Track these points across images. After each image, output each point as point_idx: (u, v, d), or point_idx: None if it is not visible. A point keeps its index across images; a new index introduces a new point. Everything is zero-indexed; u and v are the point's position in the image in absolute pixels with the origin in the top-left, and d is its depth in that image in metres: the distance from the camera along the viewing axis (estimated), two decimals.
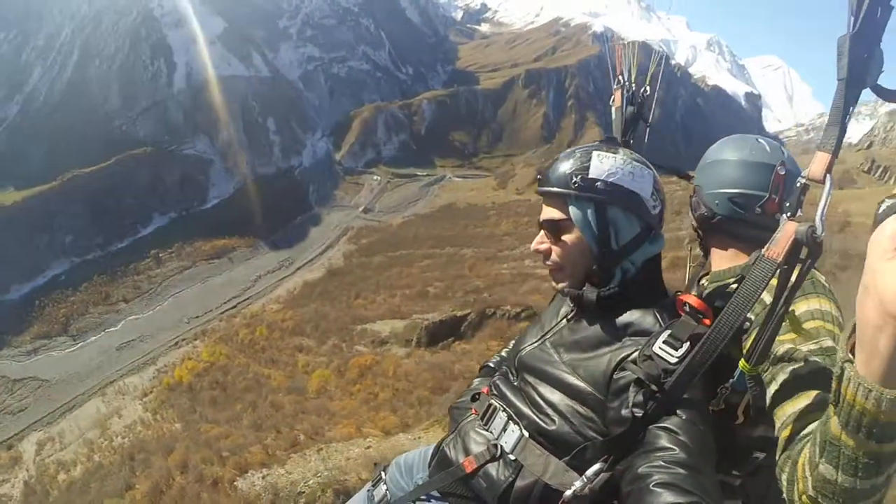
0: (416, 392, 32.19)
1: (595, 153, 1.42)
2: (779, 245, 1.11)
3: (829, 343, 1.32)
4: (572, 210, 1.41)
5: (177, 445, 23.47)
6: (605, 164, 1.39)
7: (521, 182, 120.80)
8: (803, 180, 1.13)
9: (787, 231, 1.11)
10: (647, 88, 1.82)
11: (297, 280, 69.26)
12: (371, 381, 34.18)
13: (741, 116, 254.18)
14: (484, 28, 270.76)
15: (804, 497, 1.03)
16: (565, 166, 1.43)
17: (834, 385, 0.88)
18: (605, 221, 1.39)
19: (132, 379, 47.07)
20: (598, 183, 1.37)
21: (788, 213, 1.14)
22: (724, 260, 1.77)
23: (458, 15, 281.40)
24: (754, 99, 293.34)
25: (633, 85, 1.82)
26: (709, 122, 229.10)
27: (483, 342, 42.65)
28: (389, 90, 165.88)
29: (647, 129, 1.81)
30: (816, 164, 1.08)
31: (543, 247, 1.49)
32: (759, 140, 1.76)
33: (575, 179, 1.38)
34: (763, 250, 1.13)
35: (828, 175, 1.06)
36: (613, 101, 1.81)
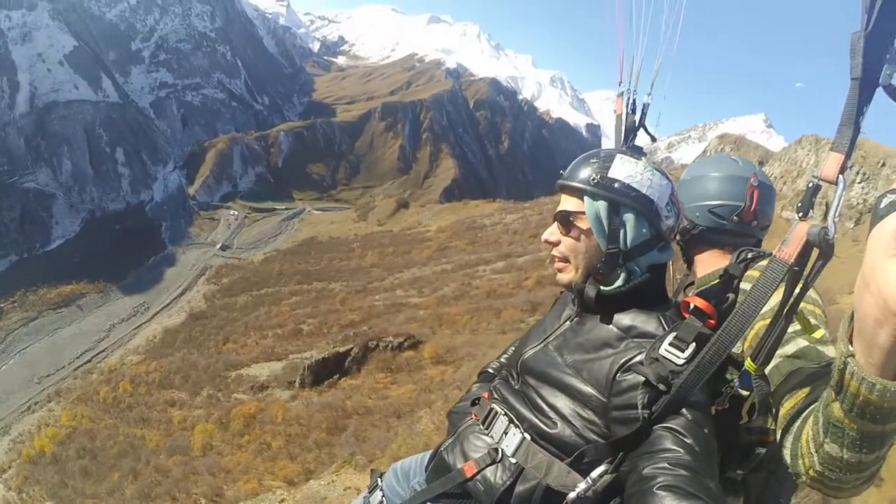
0: (312, 435, 30.97)
1: (619, 156, 1.46)
2: (790, 246, 1.10)
3: (813, 321, 1.42)
4: (587, 204, 1.44)
5: None
6: (625, 167, 1.43)
7: (381, 213, 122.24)
8: (815, 181, 1.08)
9: (798, 232, 1.10)
10: (649, 98, 1.81)
11: (155, 327, 64.25)
12: (259, 429, 32.30)
13: (583, 145, 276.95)
14: (341, 61, 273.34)
15: (811, 471, 1.09)
16: (588, 164, 1.47)
17: (836, 376, 0.93)
18: (616, 220, 1.42)
19: None
20: (616, 183, 1.41)
21: (800, 214, 1.12)
22: (707, 265, 1.91)
23: (316, 46, 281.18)
24: (594, 129, 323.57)
25: (636, 93, 1.79)
26: (553, 151, 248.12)
27: (370, 376, 42.04)
28: (245, 120, 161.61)
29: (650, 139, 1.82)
30: (829, 165, 1.03)
31: (553, 237, 1.53)
32: (732, 157, 1.94)
33: (594, 176, 1.42)
34: (775, 251, 1.12)
35: (840, 176, 1.02)
36: (616, 108, 1.81)
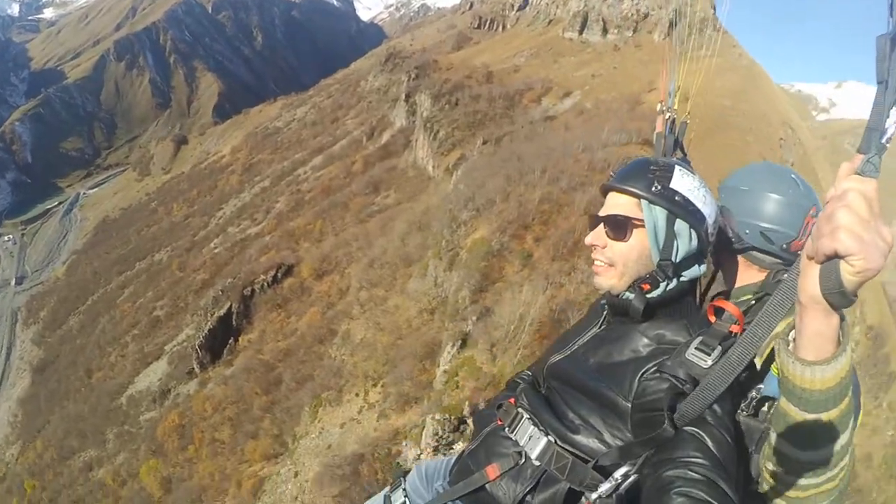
0: (254, 404, 29.53)
1: (678, 168, 1.45)
2: None
3: None
4: (646, 212, 1.42)
5: None
6: (685, 180, 1.43)
7: (162, 160, 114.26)
8: None
9: None
10: (688, 116, 1.89)
11: (6, 405, 54.81)
12: (198, 433, 30.14)
13: (339, 16, 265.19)
14: (48, 14, 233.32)
15: (766, 472, 1.18)
16: (647, 171, 1.45)
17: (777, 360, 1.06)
18: (672, 232, 1.42)
19: None
20: (677, 195, 1.41)
21: None
22: (740, 279, 1.84)
23: (15, 9, 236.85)
24: None
25: (675, 112, 1.83)
26: (310, 31, 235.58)
27: (264, 321, 41.04)
28: None
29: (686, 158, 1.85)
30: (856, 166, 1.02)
31: (600, 241, 1.48)
32: (794, 177, 1.82)
33: (657, 185, 1.41)
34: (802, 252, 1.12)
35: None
36: (656, 127, 1.83)
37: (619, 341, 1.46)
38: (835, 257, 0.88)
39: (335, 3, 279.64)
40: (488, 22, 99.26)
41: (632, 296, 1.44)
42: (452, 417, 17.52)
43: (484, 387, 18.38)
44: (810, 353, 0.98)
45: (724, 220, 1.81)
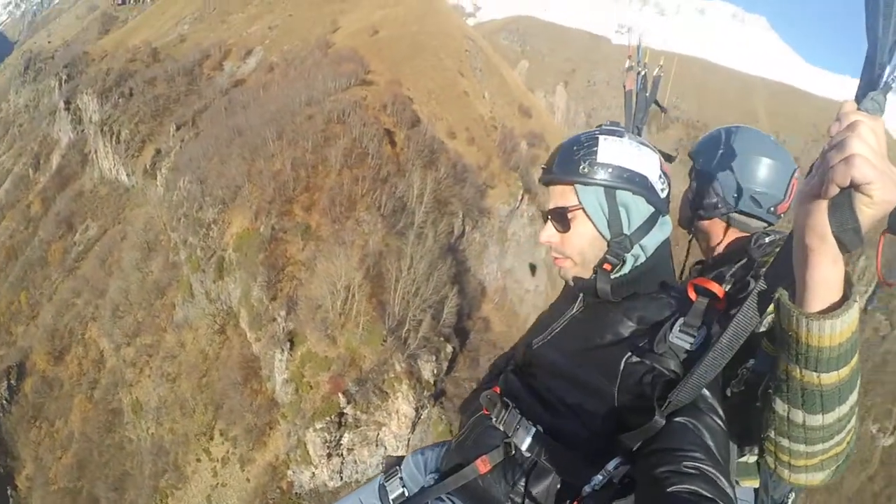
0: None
1: (602, 137, 1.38)
2: None
3: None
4: (583, 197, 1.36)
5: None
6: (613, 147, 1.36)
7: None
8: None
9: None
10: (660, 69, 1.84)
11: None
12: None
13: None
14: None
15: (766, 441, 1.13)
16: (573, 153, 1.38)
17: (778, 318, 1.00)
18: (615, 206, 1.36)
19: None
20: (609, 168, 1.34)
21: None
22: (722, 245, 1.91)
23: None
24: None
25: (646, 68, 1.76)
26: None
27: (30, 443, 33.20)
28: None
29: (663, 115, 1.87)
30: None
31: (555, 239, 1.43)
32: (777, 143, 1.91)
33: (583, 165, 1.35)
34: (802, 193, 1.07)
35: None
36: (626, 84, 1.77)
37: (599, 323, 1.39)
38: (848, 188, 0.83)
39: None
40: None
41: (599, 281, 1.40)
42: (333, 416, 16.12)
43: (342, 370, 17.04)
44: (816, 304, 0.92)
45: (705, 186, 1.84)
